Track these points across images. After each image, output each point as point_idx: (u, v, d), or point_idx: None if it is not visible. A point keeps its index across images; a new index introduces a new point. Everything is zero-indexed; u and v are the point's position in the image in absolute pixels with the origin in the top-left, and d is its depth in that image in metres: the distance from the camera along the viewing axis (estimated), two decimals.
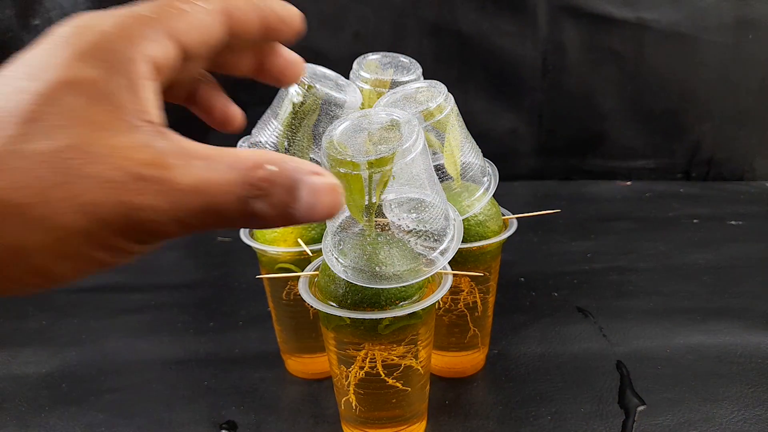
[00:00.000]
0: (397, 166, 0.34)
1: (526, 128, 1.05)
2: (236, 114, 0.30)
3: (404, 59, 0.53)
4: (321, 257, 0.44)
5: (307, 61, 0.48)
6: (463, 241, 0.45)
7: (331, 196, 0.21)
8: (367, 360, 0.39)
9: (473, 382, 0.52)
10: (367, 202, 0.40)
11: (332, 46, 0.97)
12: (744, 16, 0.96)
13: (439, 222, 0.38)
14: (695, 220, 0.87)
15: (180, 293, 0.71)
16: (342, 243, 0.38)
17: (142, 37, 0.21)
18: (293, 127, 0.45)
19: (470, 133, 0.47)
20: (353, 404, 0.41)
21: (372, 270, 0.36)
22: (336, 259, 0.37)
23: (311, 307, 0.38)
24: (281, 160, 0.20)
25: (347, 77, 0.51)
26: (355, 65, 0.52)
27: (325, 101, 0.45)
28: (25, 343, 0.61)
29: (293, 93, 0.45)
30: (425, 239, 0.38)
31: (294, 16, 0.27)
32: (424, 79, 0.50)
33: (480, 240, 0.46)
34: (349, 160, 0.34)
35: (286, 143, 0.45)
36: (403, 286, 0.38)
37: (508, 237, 0.47)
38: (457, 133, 0.46)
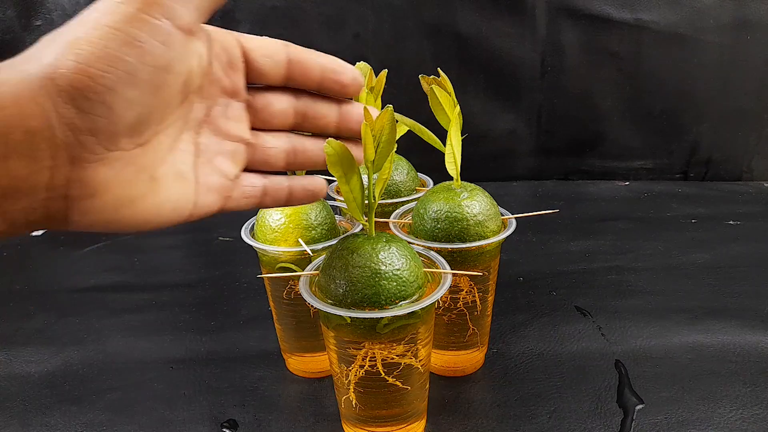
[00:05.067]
0: None
1: (525, 129, 1.06)
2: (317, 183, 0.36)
3: None
4: (321, 256, 0.44)
5: None
6: (462, 241, 0.46)
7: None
8: (367, 359, 0.40)
9: (472, 381, 0.52)
10: (367, 201, 0.40)
11: (332, 47, 0.96)
12: (742, 17, 0.96)
13: None
14: (693, 220, 0.88)
15: (181, 293, 0.71)
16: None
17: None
18: None
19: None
20: (353, 403, 0.42)
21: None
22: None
23: (311, 306, 0.38)
24: None
25: None
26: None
27: None
28: (27, 342, 0.61)
29: None
30: None
31: (347, 73, 0.33)
32: None
33: (479, 240, 0.46)
34: None
35: None
36: (403, 286, 0.38)
37: (507, 237, 0.48)
38: (458, 132, 0.46)
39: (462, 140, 0.47)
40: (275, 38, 0.33)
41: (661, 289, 0.67)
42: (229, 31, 0.31)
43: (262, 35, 0.39)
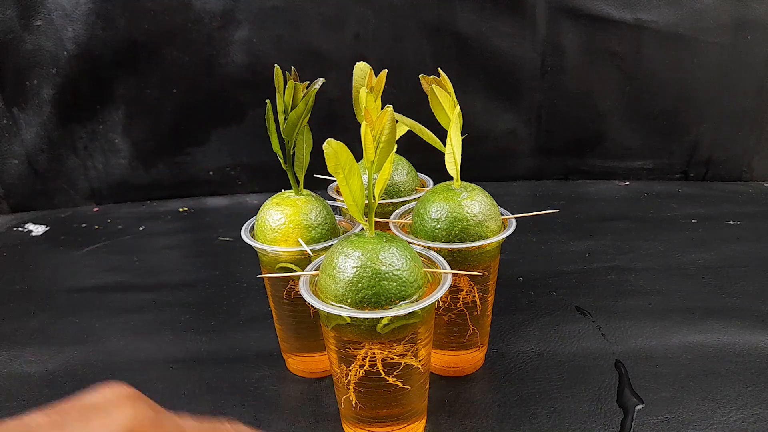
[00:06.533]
0: None
1: (525, 129, 1.06)
2: None
3: None
4: (321, 256, 0.44)
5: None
6: (462, 241, 0.46)
7: None
8: (367, 359, 0.40)
9: (472, 381, 0.52)
10: (367, 202, 0.40)
11: (332, 47, 0.97)
12: (742, 17, 0.96)
13: None
14: (693, 220, 0.88)
15: (181, 293, 0.71)
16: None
17: None
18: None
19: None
20: (353, 402, 0.42)
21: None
22: None
23: (312, 306, 0.38)
24: None
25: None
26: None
27: None
28: (27, 342, 0.61)
29: None
30: None
31: None
32: None
33: (479, 240, 0.46)
34: None
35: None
36: (403, 286, 0.38)
37: (507, 237, 0.48)
38: (458, 132, 0.46)
39: (462, 140, 0.47)
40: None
41: (661, 289, 0.67)
42: None
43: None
